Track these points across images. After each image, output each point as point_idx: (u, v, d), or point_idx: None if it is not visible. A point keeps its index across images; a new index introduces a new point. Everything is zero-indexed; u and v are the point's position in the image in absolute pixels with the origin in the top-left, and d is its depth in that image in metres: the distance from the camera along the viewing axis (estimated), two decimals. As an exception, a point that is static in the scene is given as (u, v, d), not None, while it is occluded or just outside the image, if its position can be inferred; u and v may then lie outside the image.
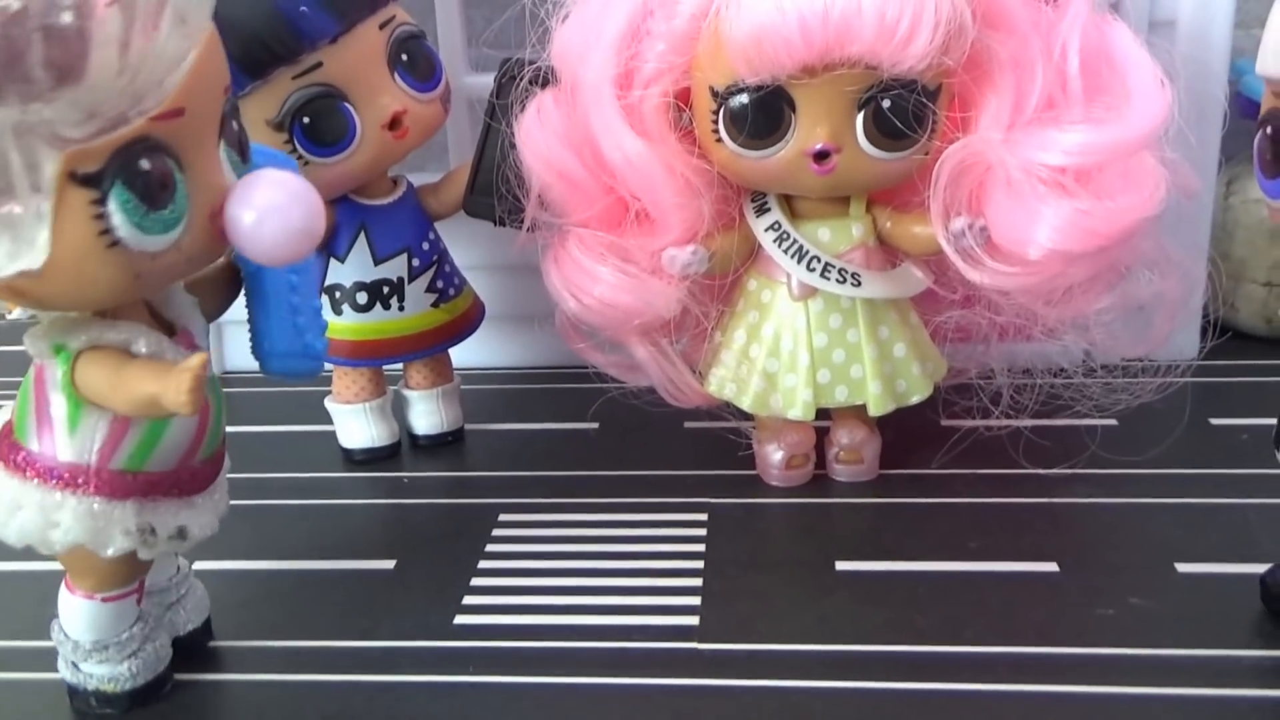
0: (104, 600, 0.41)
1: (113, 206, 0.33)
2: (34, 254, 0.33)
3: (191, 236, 0.35)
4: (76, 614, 0.41)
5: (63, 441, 0.38)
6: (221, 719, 0.42)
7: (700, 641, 0.44)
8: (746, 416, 0.56)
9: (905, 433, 0.56)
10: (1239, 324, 0.69)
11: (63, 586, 0.41)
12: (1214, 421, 0.59)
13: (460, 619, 0.46)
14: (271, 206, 0.35)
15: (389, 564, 0.50)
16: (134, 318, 0.38)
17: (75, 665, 0.42)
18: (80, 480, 0.38)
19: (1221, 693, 0.40)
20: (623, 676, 0.42)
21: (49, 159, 0.32)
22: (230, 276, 0.42)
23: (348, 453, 0.60)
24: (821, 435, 0.56)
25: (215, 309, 0.42)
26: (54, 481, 0.38)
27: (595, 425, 0.62)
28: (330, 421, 0.61)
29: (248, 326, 0.43)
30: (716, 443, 0.59)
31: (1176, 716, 0.39)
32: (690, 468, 0.58)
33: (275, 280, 0.41)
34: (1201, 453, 0.56)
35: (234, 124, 0.37)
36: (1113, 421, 0.57)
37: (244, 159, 0.38)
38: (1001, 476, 0.54)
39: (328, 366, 0.59)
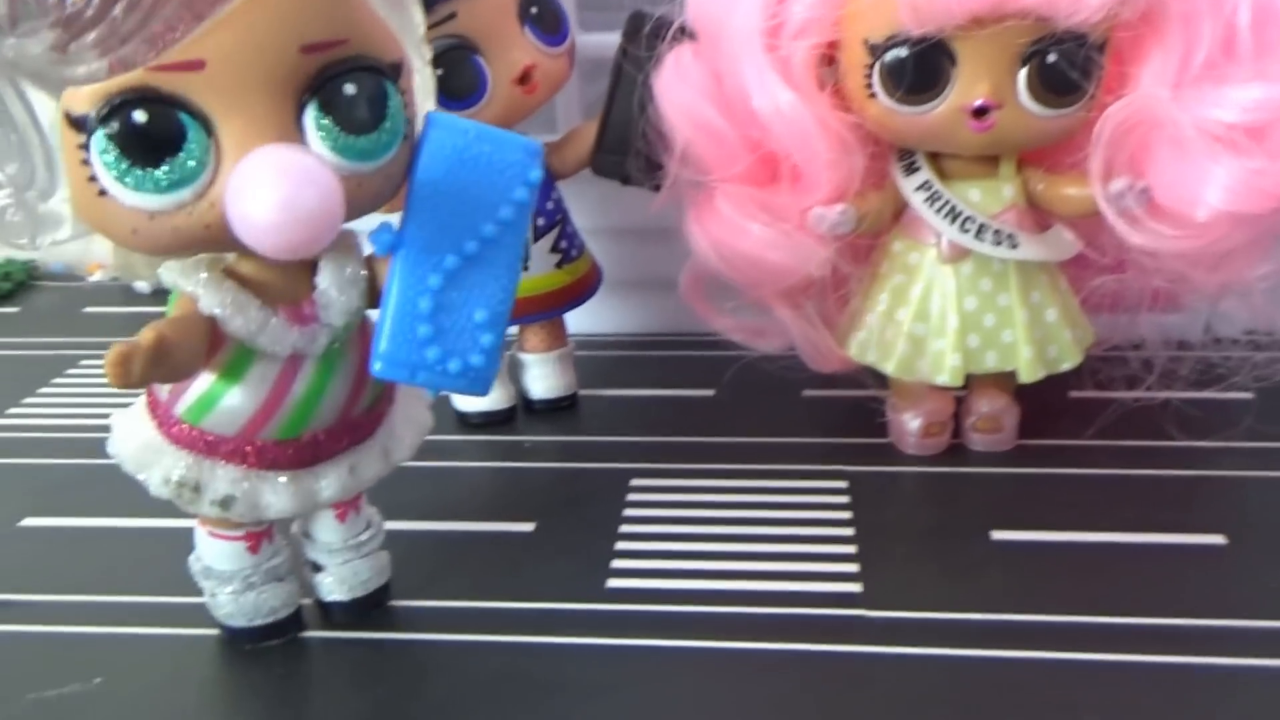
0: (210, 535, 0.40)
1: (93, 155, 0.31)
2: (60, 190, 0.33)
3: (213, 205, 0.32)
4: (197, 535, 0.41)
5: None
6: (390, 677, 0.41)
7: (867, 608, 0.43)
8: (881, 382, 0.55)
9: (1039, 403, 0.55)
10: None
11: None
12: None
13: (612, 582, 0.45)
14: (266, 188, 0.31)
15: (529, 526, 0.49)
16: (262, 270, 0.36)
17: (199, 580, 0.42)
18: (156, 410, 0.38)
19: None
20: (791, 642, 0.41)
21: (47, 95, 0.31)
22: None
23: (463, 416, 0.59)
24: (957, 403, 0.54)
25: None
26: (149, 408, 0.38)
27: (711, 392, 0.61)
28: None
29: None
30: (841, 409, 0.57)
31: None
32: (818, 435, 0.56)
33: (408, 276, 0.35)
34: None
35: (344, 86, 0.33)
36: (1257, 393, 0.56)
37: (353, 129, 0.33)
38: (1150, 449, 0.53)
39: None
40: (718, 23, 0.49)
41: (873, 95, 0.47)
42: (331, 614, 0.43)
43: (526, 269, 0.56)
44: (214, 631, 0.43)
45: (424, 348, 0.35)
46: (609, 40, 0.57)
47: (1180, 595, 0.43)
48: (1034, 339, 0.50)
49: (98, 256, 0.36)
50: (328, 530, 0.42)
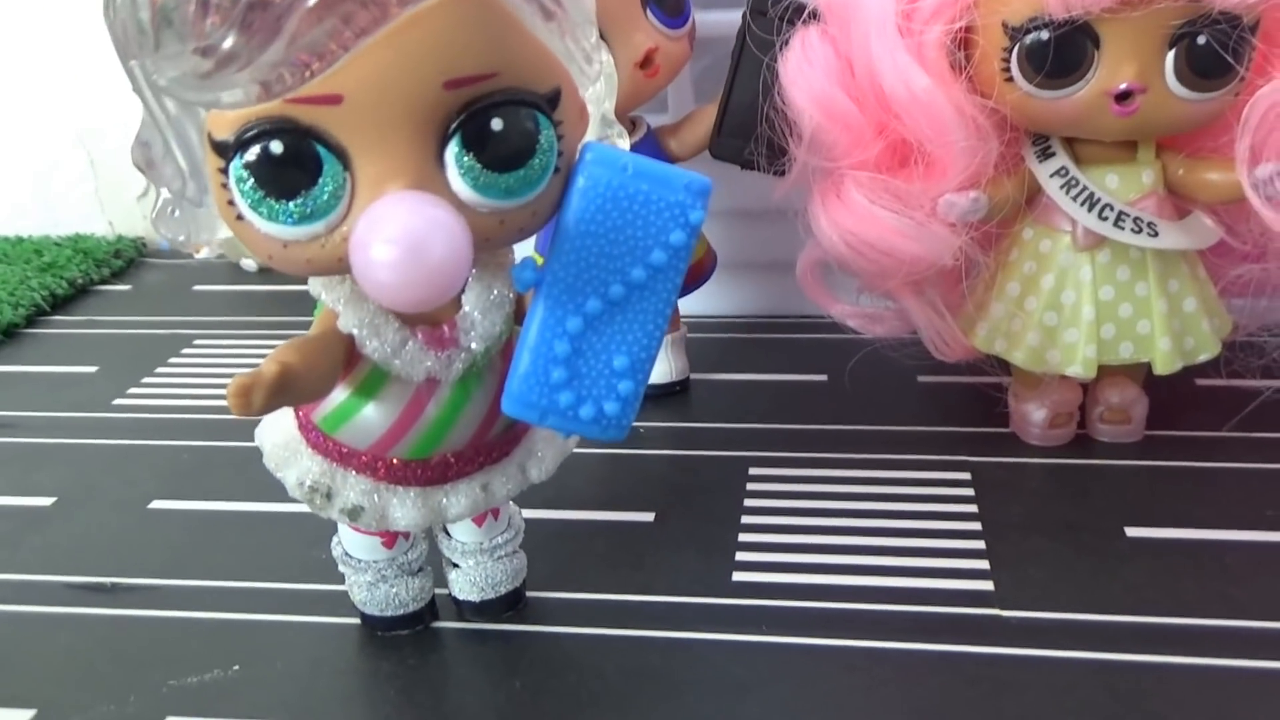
0: (350, 525, 0.40)
1: (231, 181, 0.31)
2: (207, 202, 0.33)
3: (344, 240, 0.31)
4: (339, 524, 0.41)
5: None
6: (521, 671, 0.41)
7: (1001, 608, 0.42)
8: (1005, 371, 0.54)
9: (1167, 393, 0.53)
10: None
11: None
12: None
13: (738, 575, 0.45)
14: (386, 240, 0.30)
15: (648, 516, 0.49)
16: None
17: (340, 567, 0.43)
18: (299, 413, 0.38)
19: None
20: (925, 642, 0.41)
21: (195, 116, 0.31)
22: None
23: (575, 400, 0.59)
24: (1083, 393, 0.53)
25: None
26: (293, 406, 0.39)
27: (824, 377, 0.60)
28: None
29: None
30: (959, 397, 0.57)
31: None
32: (936, 424, 0.55)
33: (549, 314, 0.34)
34: None
35: (491, 122, 0.31)
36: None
37: (500, 166, 0.32)
38: (1286, 441, 0.51)
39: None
40: (848, 5, 0.47)
41: (1010, 79, 0.46)
42: (463, 611, 0.43)
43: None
44: (348, 620, 0.43)
45: (556, 392, 0.34)
46: (720, 18, 0.56)
47: (1327, 599, 0.42)
48: (1171, 330, 0.49)
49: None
50: (464, 531, 0.42)
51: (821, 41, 0.49)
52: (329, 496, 0.38)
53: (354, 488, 0.38)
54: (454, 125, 0.31)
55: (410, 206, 0.30)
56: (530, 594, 0.44)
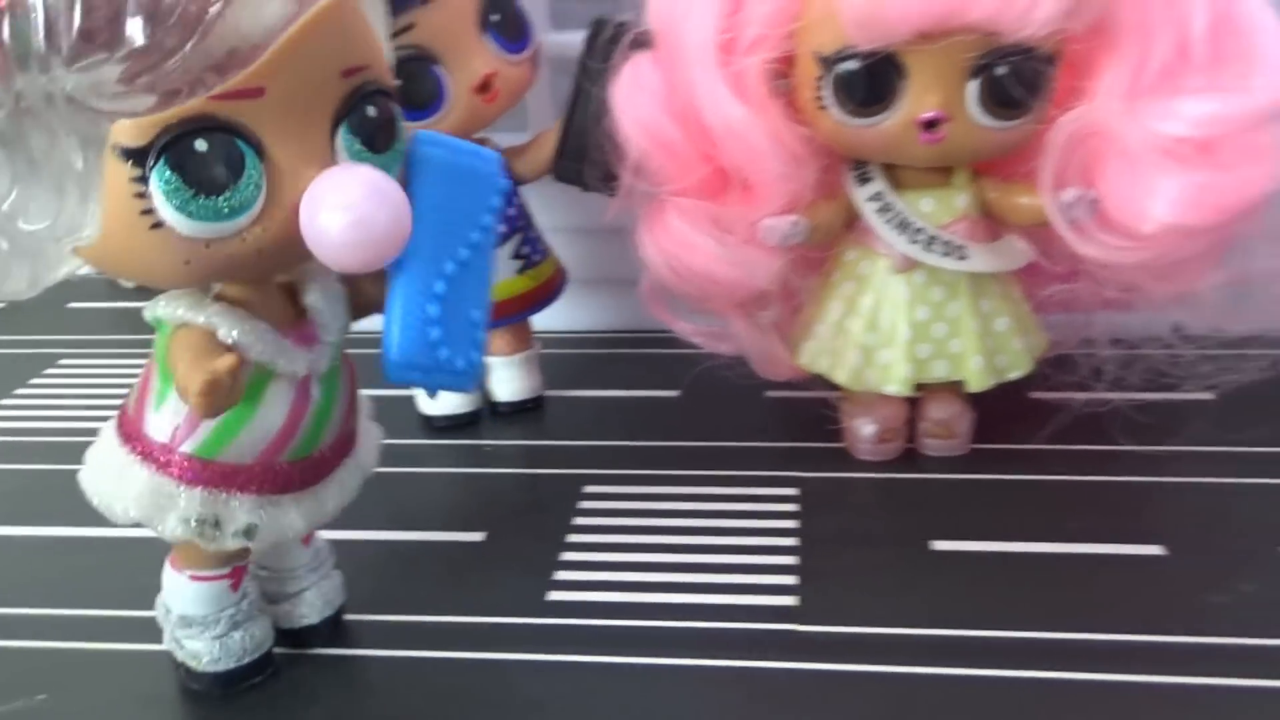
0: (192, 579, 0.40)
1: (154, 187, 0.31)
2: (89, 227, 0.32)
3: (265, 229, 0.33)
4: (171, 587, 0.41)
5: (150, 415, 0.37)
6: (333, 695, 0.41)
7: (800, 623, 0.43)
8: (835, 388, 0.55)
9: (994, 407, 0.55)
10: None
11: (169, 556, 0.41)
12: (1315, 399, 0.58)
13: (553, 595, 0.46)
14: (345, 206, 0.32)
15: (479, 536, 0.50)
16: (258, 298, 0.37)
17: (171, 635, 0.41)
18: (156, 456, 0.37)
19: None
20: (722, 658, 0.42)
21: (94, 128, 0.31)
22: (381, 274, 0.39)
23: (428, 419, 0.60)
24: (911, 408, 0.55)
25: (369, 305, 0.40)
26: (136, 452, 0.38)
27: (677, 393, 0.61)
28: (411, 388, 0.60)
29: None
30: (801, 413, 0.58)
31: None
32: (776, 439, 0.57)
33: (414, 282, 0.37)
34: (1306, 432, 0.54)
35: (368, 110, 0.34)
36: (1212, 397, 0.56)
37: (377, 149, 0.35)
38: (1100, 453, 0.53)
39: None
40: (674, 33, 0.49)
41: (824, 108, 0.48)
42: (305, 638, 0.43)
43: (489, 274, 0.57)
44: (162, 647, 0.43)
45: (436, 349, 0.37)
46: (580, 41, 0.57)
47: (1120, 609, 0.43)
48: (984, 348, 0.51)
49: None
50: (296, 555, 0.43)
51: (652, 68, 0.50)
52: (218, 525, 0.38)
53: (241, 508, 0.38)
54: (343, 111, 0.34)
55: (359, 172, 0.33)
56: (349, 617, 0.45)
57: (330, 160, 0.34)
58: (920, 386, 0.52)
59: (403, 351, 0.37)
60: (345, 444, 0.40)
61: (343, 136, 0.34)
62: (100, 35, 0.29)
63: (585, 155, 0.53)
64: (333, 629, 0.44)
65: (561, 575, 0.47)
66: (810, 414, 0.57)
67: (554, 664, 0.42)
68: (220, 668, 0.41)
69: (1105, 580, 0.45)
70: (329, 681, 0.42)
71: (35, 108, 0.30)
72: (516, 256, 0.58)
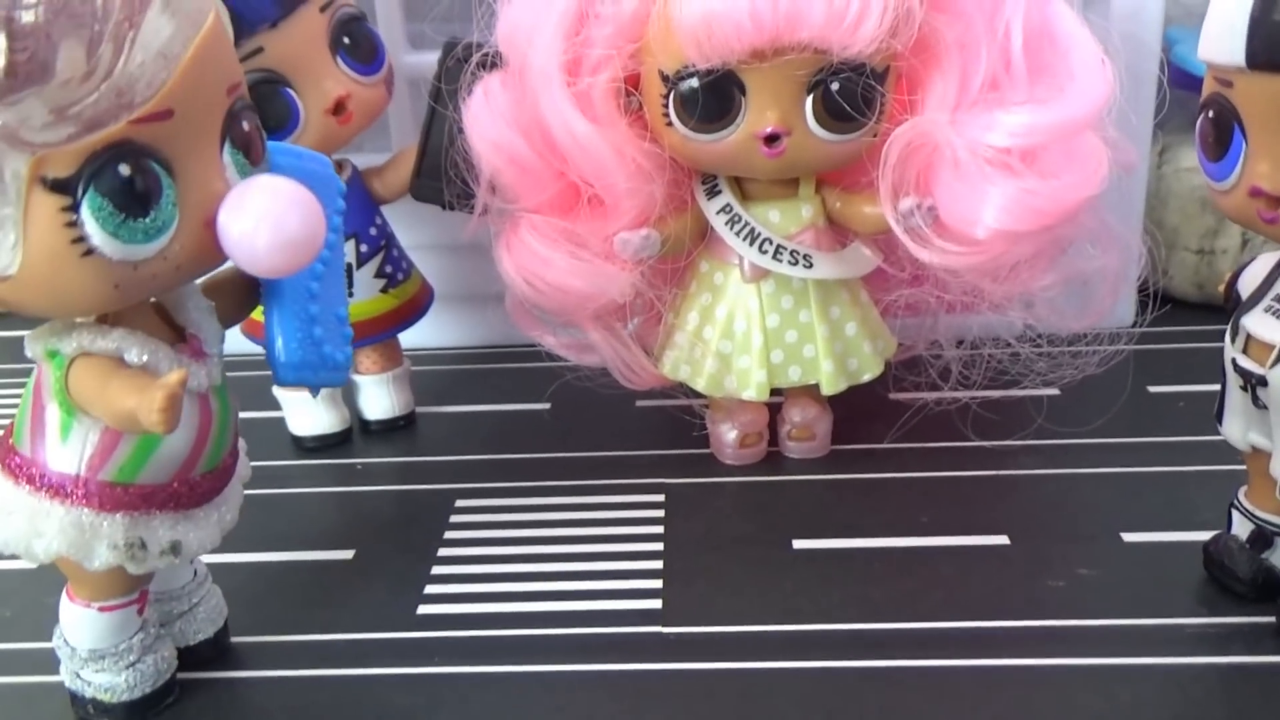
0: (101, 610, 0.40)
1: (85, 214, 0.32)
2: (5, 260, 0.32)
3: (182, 245, 0.34)
4: (75, 622, 0.40)
5: (54, 449, 0.37)
6: (196, 717, 0.41)
7: (665, 625, 0.45)
8: (700, 396, 0.57)
9: (856, 409, 0.57)
10: (1172, 291, 0.71)
11: (64, 592, 0.40)
12: (1152, 389, 0.61)
13: (423, 609, 0.46)
14: (264, 214, 0.34)
15: (348, 554, 0.50)
16: (139, 322, 0.37)
17: (75, 673, 0.41)
18: (69, 490, 0.37)
19: (1171, 660, 0.41)
20: (588, 663, 0.43)
21: (16, 163, 0.31)
22: (250, 281, 0.40)
23: (298, 440, 0.60)
24: (774, 413, 0.57)
25: (233, 315, 0.41)
26: (43, 490, 0.37)
27: (547, 406, 0.62)
28: (280, 408, 0.60)
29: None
30: (669, 422, 0.59)
31: (1129, 685, 0.40)
32: (644, 448, 0.58)
33: (293, 287, 0.39)
34: (1142, 421, 0.57)
35: (243, 124, 0.36)
36: (1056, 392, 0.59)
37: (253, 161, 0.36)
38: (951, 450, 0.55)
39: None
40: (521, 53, 0.50)
41: (670, 124, 0.49)
42: (199, 653, 0.43)
43: (351, 295, 0.57)
44: (25, 679, 0.43)
45: (321, 347, 0.40)
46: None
47: (966, 597, 0.45)
48: (834, 353, 0.53)
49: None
50: (184, 573, 0.43)
51: (502, 87, 0.51)
52: (145, 547, 0.38)
53: (163, 526, 0.38)
54: (226, 127, 0.35)
55: (272, 180, 0.35)
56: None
57: (223, 174, 0.35)
58: (780, 391, 0.54)
59: (291, 353, 0.40)
60: (235, 453, 0.41)
61: (228, 151, 0.35)
62: (32, 69, 0.30)
63: (442, 175, 0.53)
64: (224, 644, 0.44)
65: (432, 589, 0.47)
66: (677, 422, 0.58)
67: (426, 676, 0.43)
68: (136, 695, 0.41)
69: (954, 570, 0.47)
70: (206, 705, 0.42)
71: None
72: (379, 275, 0.58)
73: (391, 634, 0.45)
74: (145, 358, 0.36)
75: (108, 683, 0.40)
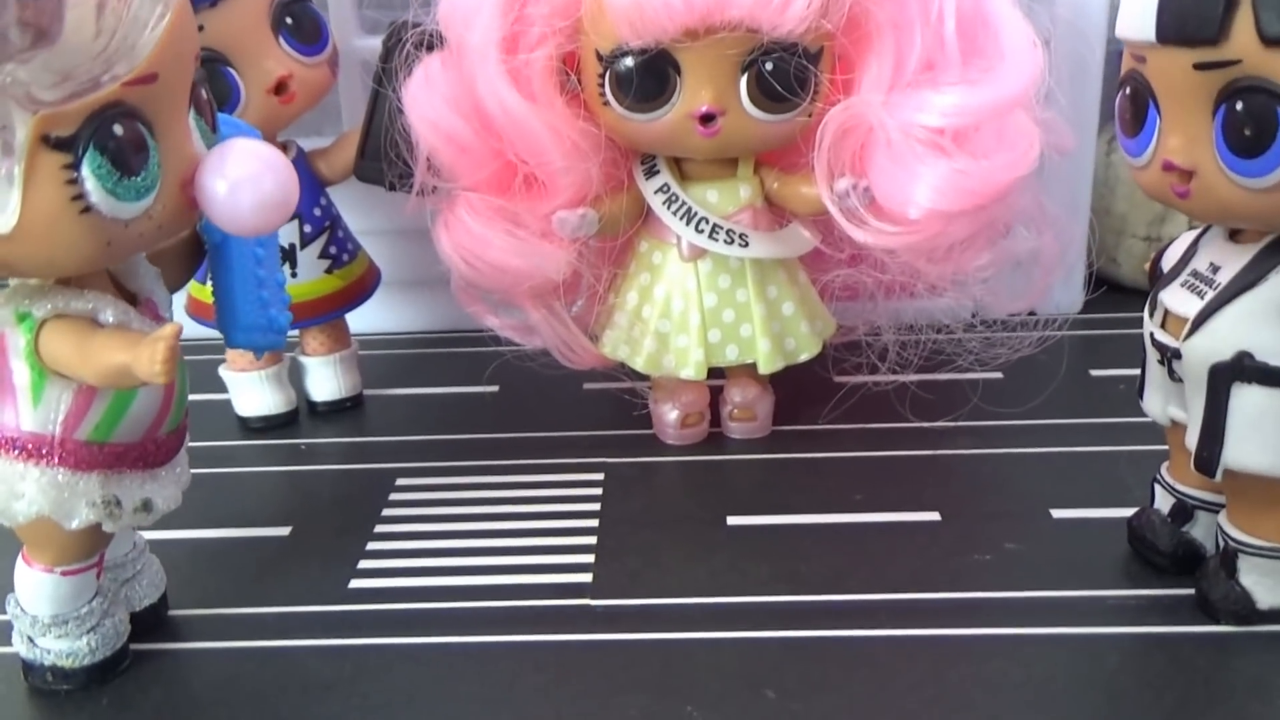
0: (63, 574, 0.40)
1: (86, 172, 0.33)
2: (4, 217, 0.33)
3: (163, 205, 0.35)
4: (35, 588, 0.40)
5: (26, 411, 0.37)
6: (115, 687, 0.41)
7: (593, 598, 0.45)
8: (642, 377, 0.57)
9: (797, 389, 0.58)
10: (1121, 278, 0.71)
11: (20, 560, 0.40)
12: (1094, 373, 0.62)
13: (355, 583, 0.47)
14: (246, 176, 0.36)
15: (284, 530, 0.50)
16: (97, 288, 0.37)
17: (31, 640, 0.41)
18: (44, 451, 0.37)
19: (1088, 630, 0.42)
20: (513, 634, 0.43)
21: (21, 121, 0.32)
22: (194, 248, 0.42)
23: (244, 421, 0.60)
24: (716, 394, 0.57)
25: (178, 280, 0.42)
26: (17, 452, 0.38)
27: (494, 388, 0.63)
28: (226, 390, 0.60)
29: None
30: (614, 403, 0.60)
31: (1046, 654, 0.41)
32: (588, 428, 0.58)
33: (241, 252, 0.41)
34: (1080, 404, 0.58)
35: (203, 92, 0.37)
36: (997, 375, 0.59)
37: (213, 128, 0.38)
38: (888, 430, 0.56)
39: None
40: (459, 33, 0.50)
41: (606, 103, 0.49)
42: (142, 620, 0.43)
43: (295, 275, 0.58)
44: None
45: (267, 309, 0.43)
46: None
47: (893, 571, 0.46)
48: (771, 332, 0.53)
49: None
50: (125, 543, 0.44)
51: (443, 68, 0.51)
52: (119, 504, 0.39)
53: (132, 484, 0.39)
54: (193, 93, 0.36)
55: (250, 143, 0.37)
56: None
57: (191, 138, 0.36)
58: (720, 372, 0.54)
59: (244, 315, 0.42)
60: (187, 414, 0.42)
61: (192, 116, 0.36)
62: (42, 28, 0.30)
63: (384, 156, 0.54)
64: (159, 613, 0.45)
65: (366, 564, 0.48)
66: (621, 403, 0.59)
67: (352, 647, 0.43)
68: (97, 659, 0.41)
69: (883, 546, 0.48)
70: (145, 675, 0.42)
71: None
72: (324, 256, 0.58)
73: (322, 607, 0.45)
74: (118, 317, 0.37)
75: (68, 648, 0.40)
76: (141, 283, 0.40)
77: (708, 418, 0.57)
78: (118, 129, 0.33)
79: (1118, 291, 0.70)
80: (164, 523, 0.45)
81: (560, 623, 0.44)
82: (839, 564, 0.46)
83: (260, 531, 0.50)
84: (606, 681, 0.41)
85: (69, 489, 0.38)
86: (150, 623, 0.44)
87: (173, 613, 0.45)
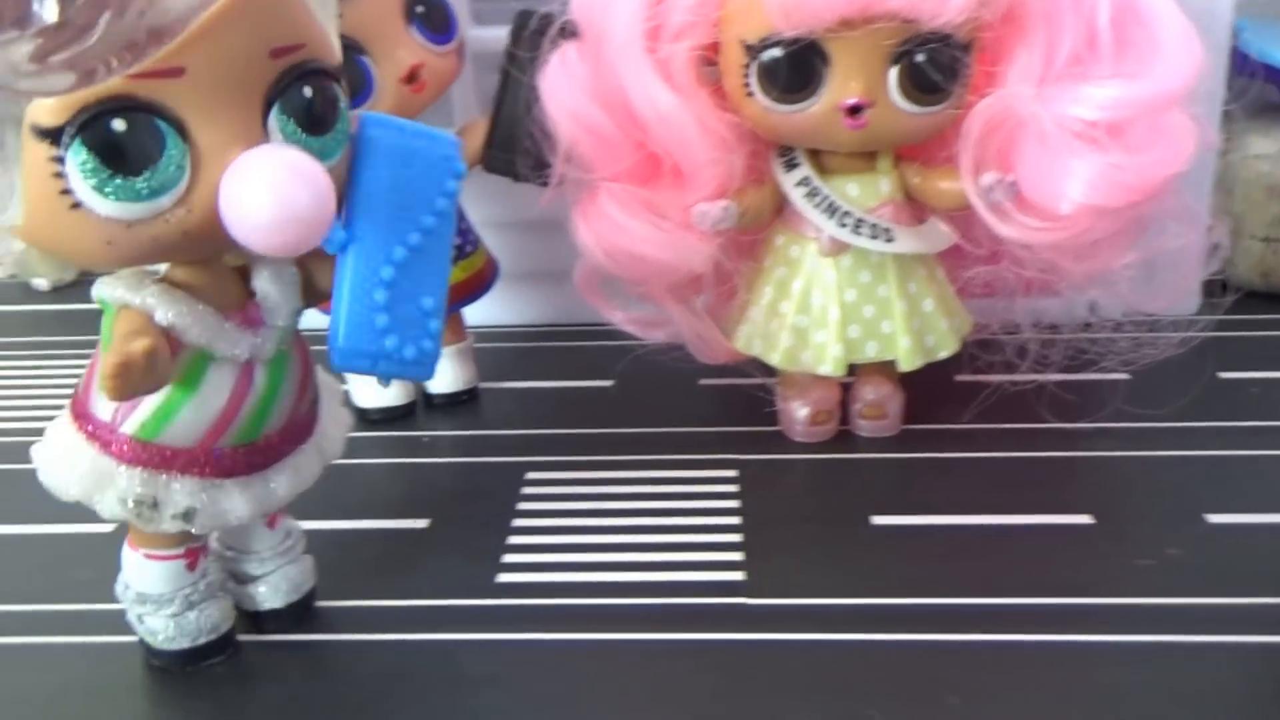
0: (146, 557, 0.40)
1: (70, 167, 0.31)
2: (14, 207, 0.32)
3: (190, 210, 0.33)
4: (128, 564, 0.41)
5: (95, 393, 0.37)
6: (274, 682, 0.41)
7: (748, 596, 0.44)
8: (770, 372, 0.56)
9: (926, 388, 0.57)
10: (1237, 279, 0.70)
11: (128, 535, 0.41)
12: (1222, 375, 0.60)
13: (502, 576, 0.46)
14: (267, 186, 0.32)
15: (423, 523, 0.50)
16: (206, 278, 0.36)
17: (129, 611, 0.41)
18: (100, 435, 0.37)
19: (1263, 639, 0.41)
20: (672, 632, 0.42)
21: (15, 107, 0.31)
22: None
23: (363, 412, 0.60)
24: (844, 391, 0.56)
25: (323, 292, 0.39)
26: (85, 432, 0.38)
27: (610, 383, 0.62)
28: (345, 381, 0.60)
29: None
30: (735, 399, 0.59)
31: (1231, 662, 0.40)
32: (711, 424, 0.58)
33: (362, 269, 0.37)
34: (1215, 406, 0.57)
35: (303, 90, 0.34)
36: (1128, 376, 0.58)
37: (316, 131, 0.35)
38: (1025, 431, 0.55)
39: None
40: (599, 22, 0.49)
41: (750, 95, 0.49)
42: (265, 622, 0.43)
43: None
44: (107, 639, 0.43)
45: (383, 337, 0.37)
46: (503, 35, 0.57)
47: (1050, 575, 0.45)
48: (911, 329, 0.52)
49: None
50: (260, 539, 0.42)
51: (578, 57, 0.50)
52: (156, 507, 0.37)
53: (180, 491, 0.38)
54: (275, 92, 0.33)
55: (278, 153, 0.33)
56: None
57: (261, 142, 0.33)
58: (853, 369, 0.54)
59: (348, 338, 0.37)
60: (298, 430, 0.40)
61: (276, 118, 0.34)
62: (9, 12, 0.29)
63: (515, 145, 0.53)
64: (301, 614, 0.44)
65: (510, 559, 0.47)
66: (744, 399, 0.58)
67: (505, 642, 0.42)
68: (176, 646, 0.41)
69: (1037, 548, 0.47)
70: (278, 667, 0.42)
71: None
72: (449, 248, 0.58)
73: (472, 601, 0.45)
74: (171, 318, 0.35)
75: (153, 627, 0.41)
76: (257, 283, 0.38)
77: (837, 416, 0.56)
78: (116, 124, 0.31)
79: (1234, 293, 0.68)
80: (299, 512, 0.45)
81: (720, 621, 0.43)
82: (993, 567, 0.45)
83: (398, 523, 0.50)
84: (778, 682, 0.40)
85: (106, 478, 0.37)
86: (268, 623, 0.43)
87: (322, 604, 0.45)
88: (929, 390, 0.57)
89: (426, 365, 0.38)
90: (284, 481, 0.40)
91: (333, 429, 0.42)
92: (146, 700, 0.41)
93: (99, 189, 0.31)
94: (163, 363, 0.34)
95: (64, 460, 0.38)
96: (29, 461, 0.39)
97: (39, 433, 0.39)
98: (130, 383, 0.32)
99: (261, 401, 0.38)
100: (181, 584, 0.40)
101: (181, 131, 0.32)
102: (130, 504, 0.37)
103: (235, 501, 0.39)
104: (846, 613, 0.43)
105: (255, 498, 0.39)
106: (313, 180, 0.33)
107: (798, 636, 0.42)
